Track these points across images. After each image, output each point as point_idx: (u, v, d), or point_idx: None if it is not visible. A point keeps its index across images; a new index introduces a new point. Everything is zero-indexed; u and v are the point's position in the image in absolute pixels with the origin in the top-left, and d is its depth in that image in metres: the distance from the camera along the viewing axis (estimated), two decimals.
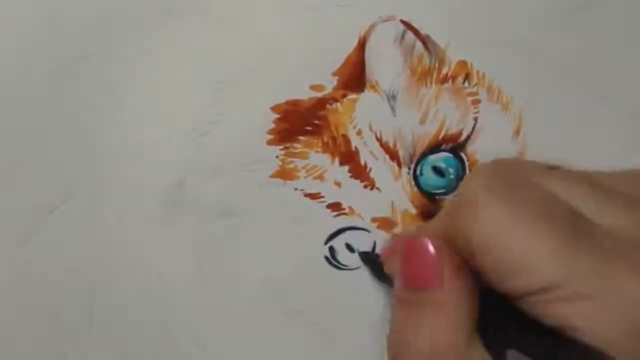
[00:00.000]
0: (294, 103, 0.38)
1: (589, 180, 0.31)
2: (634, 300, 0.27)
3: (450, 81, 0.38)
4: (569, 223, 0.29)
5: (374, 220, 0.38)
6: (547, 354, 0.32)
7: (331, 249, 0.38)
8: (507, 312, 0.30)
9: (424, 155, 0.38)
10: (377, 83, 0.38)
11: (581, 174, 0.32)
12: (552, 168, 0.32)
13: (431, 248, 0.31)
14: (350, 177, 0.38)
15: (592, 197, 0.30)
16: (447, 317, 0.30)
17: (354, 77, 0.38)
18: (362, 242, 0.38)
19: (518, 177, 0.31)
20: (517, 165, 0.32)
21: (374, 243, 0.38)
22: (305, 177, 0.38)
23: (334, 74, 0.38)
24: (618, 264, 0.27)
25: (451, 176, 0.38)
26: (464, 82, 0.38)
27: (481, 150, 0.38)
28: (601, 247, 0.28)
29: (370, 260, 0.38)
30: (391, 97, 0.38)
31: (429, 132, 0.38)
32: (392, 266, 0.34)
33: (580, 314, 0.27)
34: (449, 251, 0.31)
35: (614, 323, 0.27)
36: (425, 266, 0.31)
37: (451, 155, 0.38)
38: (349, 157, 0.38)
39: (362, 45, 0.38)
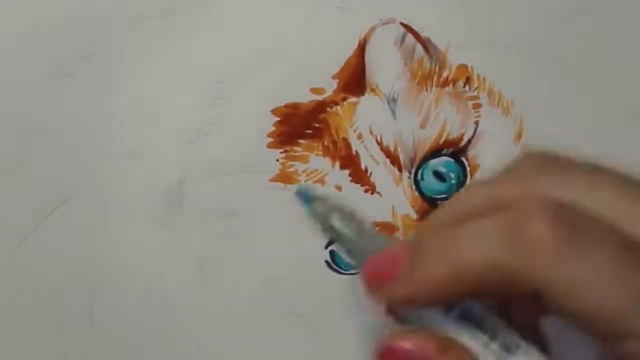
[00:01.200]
0: (294, 106, 0.38)
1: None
2: None
3: (450, 85, 0.38)
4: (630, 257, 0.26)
5: (374, 224, 0.38)
6: None
7: (332, 253, 0.38)
8: None
9: (425, 159, 0.38)
10: (377, 86, 0.38)
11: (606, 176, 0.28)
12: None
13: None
14: (351, 181, 0.38)
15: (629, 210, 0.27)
16: None
17: (354, 80, 0.38)
18: None
19: (583, 216, 0.27)
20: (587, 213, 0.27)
21: None
22: (305, 181, 0.38)
23: (334, 77, 0.38)
24: None
25: (452, 181, 0.38)
26: (464, 86, 0.38)
27: (482, 154, 0.38)
28: None
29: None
30: (391, 101, 0.38)
31: (429, 137, 0.38)
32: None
33: None
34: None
35: None
36: None
37: (452, 159, 0.38)
38: (350, 161, 0.38)
39: (362, 48, 0.38)
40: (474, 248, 0.26)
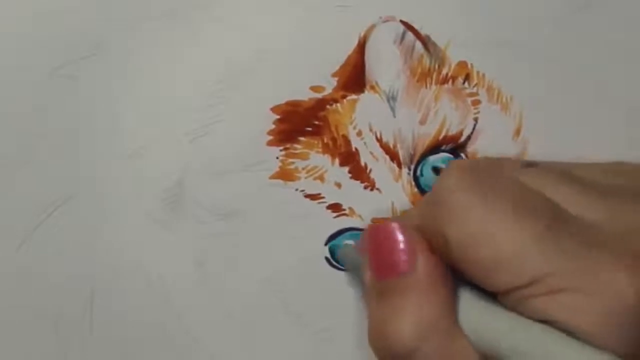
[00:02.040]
0: (294, 104, 0.38)
1: (565, 174, 0.31)
2: (616, 291, 0.26)
3: (450, 82, 0.38)
4: (546, 215, 0.28)
5: (374, 221, 0.38)
6: None
7: (331, 250, 0.38)
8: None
9: (424, 156, 0.38)
10: (377, 84, 0.38)
11: (557, 168, 0.32)
12: (530, 165, 0.32)
13: (399, 232, 0.30)
14: (351, 178, 0.38)
15: (569, 189, 0.30)
16: (426, 298, 0.29)
17: (354, 77, 0.38)
18: None
19: (493, 173, 0.30)
20: (492, 162, 0.32)
21: None
22: (305, 178, 0.38)
23: (333, 75, 0.38)
24: (599, 255, 0.27)
25: None
26: (464, 83, 0.38)
27: (481, 151, 0.38)
28: (580, 238, 0.28)
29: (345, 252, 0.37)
30: (391, 98, 0.38)
31: (429, 133, 0.38)
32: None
33: (563, 307, 0.27)
34: (419, 236, 0.30)
35: (597, 315, 0.27)
36: (397, 252, 0.30)
37: (451, 156, 0.38)
38: (349, 158, 0.38)
39: (362, 46, 0.38)
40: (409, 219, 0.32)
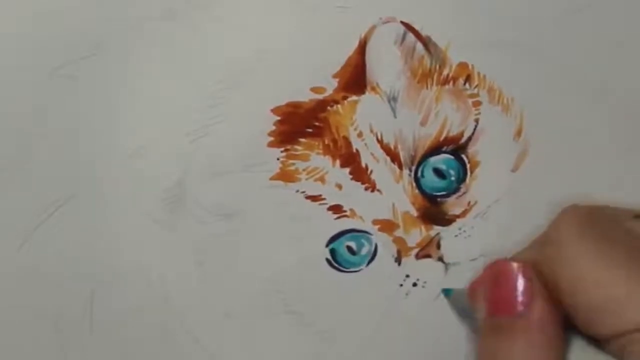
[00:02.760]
0: (295, 105, 0.38)
1: None
2: None
3: (451, 83, 0.38)
4: None
5: (375, 222, 0.38)
6: None
7: (332, 251, 0.38)
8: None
9: (425, 157, 0.38)
10: (377, 85, 0.38)
11: None
12: (638, 216, 0.33)
13: (520, 274, 0.31)
14: (352, 179, 0.38)
15: None
16: (537, 341, 0.30)
17: (355, 79, 0.38)
18: (364, 245, 0.38)
19: (608, 221, 0.31)
20: (608, 210, 0.32)
21: (375, 246, 0.38)
22: (306, 179, 0.38)
23: (334, 76, 0.38)
24: None
25: (452, 178, 0.38)
26: (464, 84, 0.38)
27: (482, 151, 0.38)
28: None
29: (455, 297, 0.38)
30: (392, 99, 0.38)
31: (430, 134, 0.38)
32: (477, 297, 0.34)
33: None
34: (538, 280, 0.31)
35: None
36: (514, 291, 0.31)
37: (452, 157, 0.38)
38: (350, 159, 0.38)
39: (362, 47, 0.38)
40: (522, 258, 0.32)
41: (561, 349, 0.31)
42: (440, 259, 0.38)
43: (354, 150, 0.38)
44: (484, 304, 0.32)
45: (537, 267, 0.31)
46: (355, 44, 0.38)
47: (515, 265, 0.31)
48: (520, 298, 0.30)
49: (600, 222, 0.31)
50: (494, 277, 0.32)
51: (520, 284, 0.31)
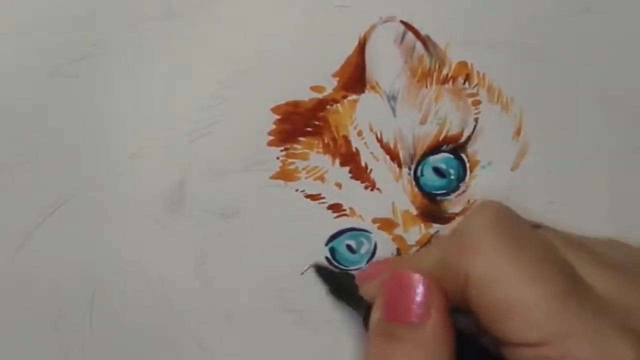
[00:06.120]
0: (294, 104, 0.38)
1: (582, 243, 0.32)
2: None
3: (450, 82, 0.38)
4: (567, 279, 0.29)
5: (374, 221, 0.38)
6: None
7: (332, 250, 0.38)
8: None
9: (425, 156, 0.38)
10: (377, 84, 0.38)
11: (561, 234, 0.33)
12: (537, 226, 0.34)
13: (421, 285, 0.31)
14: (351, 178, 0.38)
15: (587, 259, 0.31)
16: (430, 355, 0.30)
17: (354, 78, 0.38)
18: (363, 243, 0.38)
19: (522, 224, 0.31)
20: (517, 214, 0.32)
21: (375, 244, 0.38)
22: (306, 178, 0.38)
23: (334, 75, 0.38)
24: (607, 326, 0.28)
25: (452, 177, 0.38)
26: (464, 83, 0.38)
27: (482, 150, 0.38)
28: (593, 307, 0.28)
29: (339, 279, 0.38)
30: (391, 98, 0.38)
31: (429, 133, 0.38)
32: (369, 292, 0.34)
33: None
34: (437, 290, 0.31)
35: None
36: (412, 303, 0.30)
37: (452, 156, 0.38)
38: (350, 158, 0.38)
39: (362, 46, 0.38)
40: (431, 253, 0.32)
41: None
42: None
43: (354, 149, 0.38)
44: (379, 306, 0.32)
45: (445, 259, 0.31)
46: (354, 43, 0.38)
47: (416, 275, 0.31)
48: (416, 309, 0.30)
49: (515, 222, 0.31)
50: (394, 283, 0.31)
51: (419, 294, 0.30)
